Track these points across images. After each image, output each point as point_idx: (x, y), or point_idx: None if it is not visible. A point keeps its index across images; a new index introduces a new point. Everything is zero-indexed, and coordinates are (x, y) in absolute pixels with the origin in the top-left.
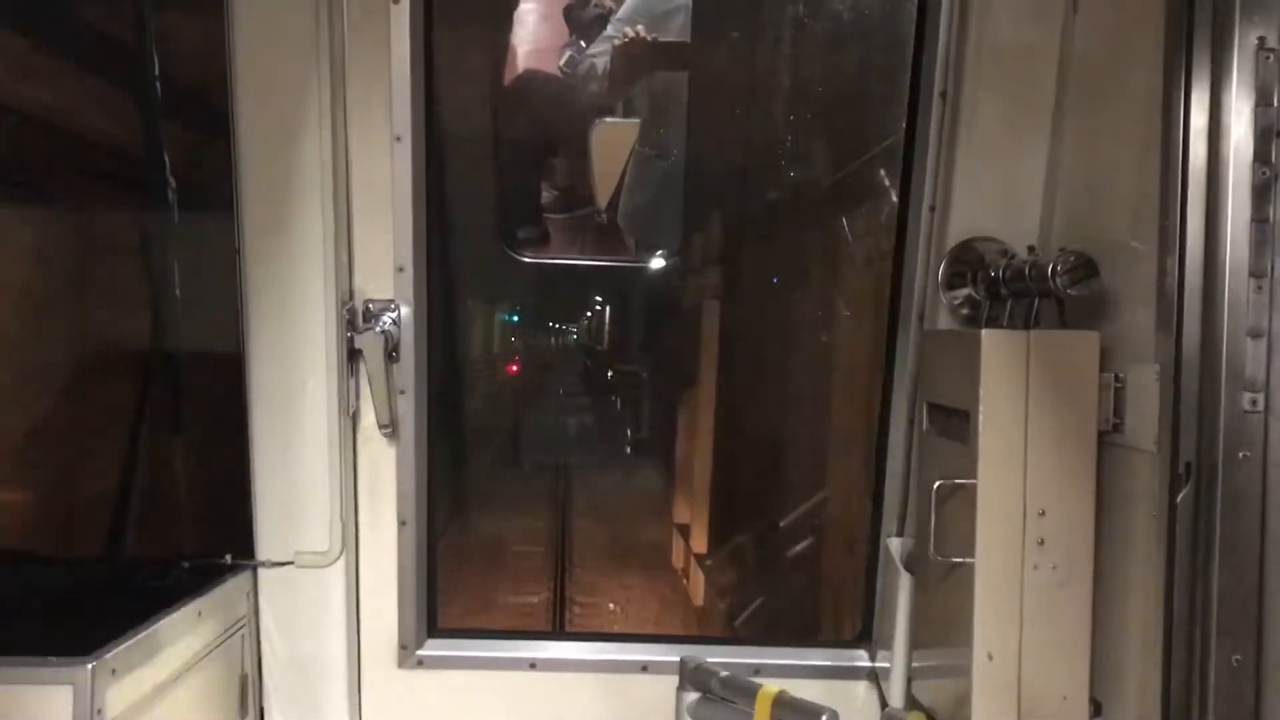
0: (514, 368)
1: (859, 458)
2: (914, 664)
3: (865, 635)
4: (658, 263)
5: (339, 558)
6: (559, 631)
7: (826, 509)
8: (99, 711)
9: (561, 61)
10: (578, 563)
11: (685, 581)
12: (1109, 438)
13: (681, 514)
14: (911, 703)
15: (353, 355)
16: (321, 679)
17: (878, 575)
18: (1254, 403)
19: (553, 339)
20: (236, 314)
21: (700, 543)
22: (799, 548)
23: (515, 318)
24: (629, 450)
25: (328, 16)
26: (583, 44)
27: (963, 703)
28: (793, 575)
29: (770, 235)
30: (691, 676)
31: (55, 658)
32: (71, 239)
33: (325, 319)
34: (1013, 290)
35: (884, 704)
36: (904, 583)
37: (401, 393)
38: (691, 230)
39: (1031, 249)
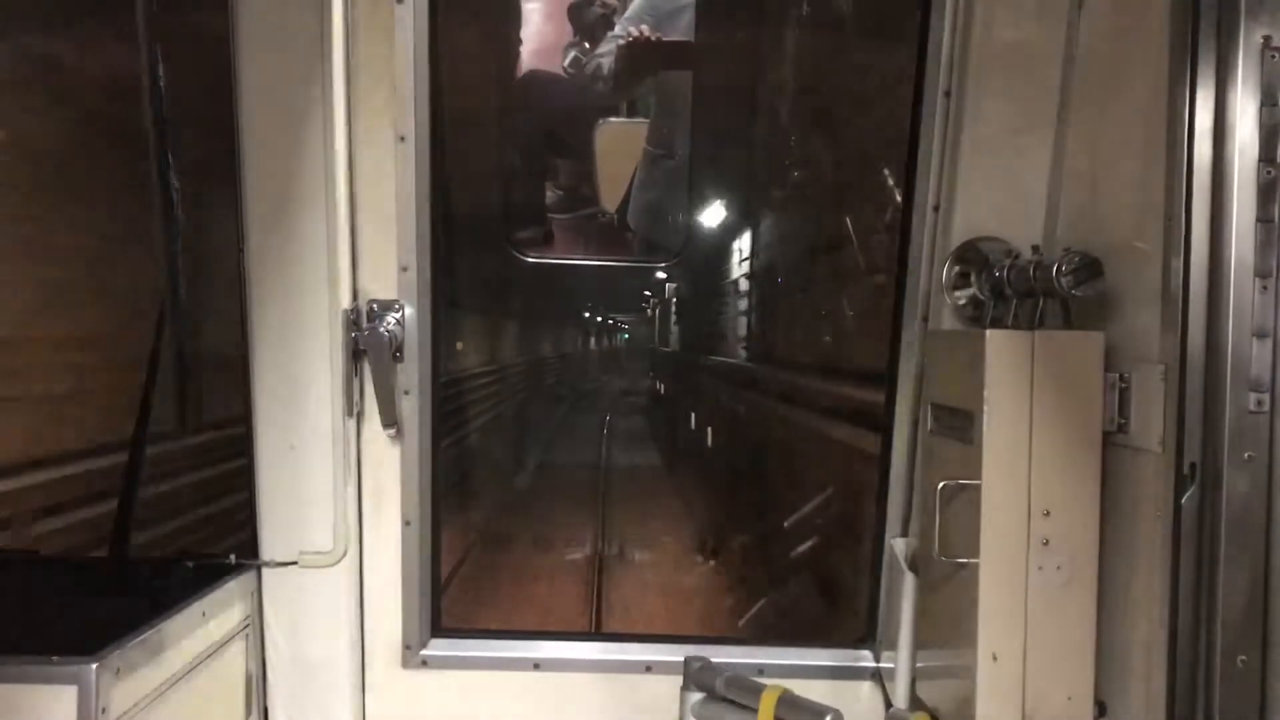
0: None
1: None
2: (918, 664)
3: (870, 635)
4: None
5: (343, 558)
6: (564, 630)
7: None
8: (103, 711)
9: (565, 62)
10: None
11: None
12: (1114, 438)
13: None
14: (916, 703)
15: (357, 355)
16: (325, 679)
17: (882, 575)
18: (1259, 403)
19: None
20: (241, 313)
21: None
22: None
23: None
24: None
25: (332, 16)
26: (586, 44)
27: (967, 703)
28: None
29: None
30: (695, 676)
31: (60, 657)
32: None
33: (329, 319)
34: (1017, 290)
35: (888, 704)
36: (908, 583)
37: (406, 393)
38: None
39: (1036, 249)
